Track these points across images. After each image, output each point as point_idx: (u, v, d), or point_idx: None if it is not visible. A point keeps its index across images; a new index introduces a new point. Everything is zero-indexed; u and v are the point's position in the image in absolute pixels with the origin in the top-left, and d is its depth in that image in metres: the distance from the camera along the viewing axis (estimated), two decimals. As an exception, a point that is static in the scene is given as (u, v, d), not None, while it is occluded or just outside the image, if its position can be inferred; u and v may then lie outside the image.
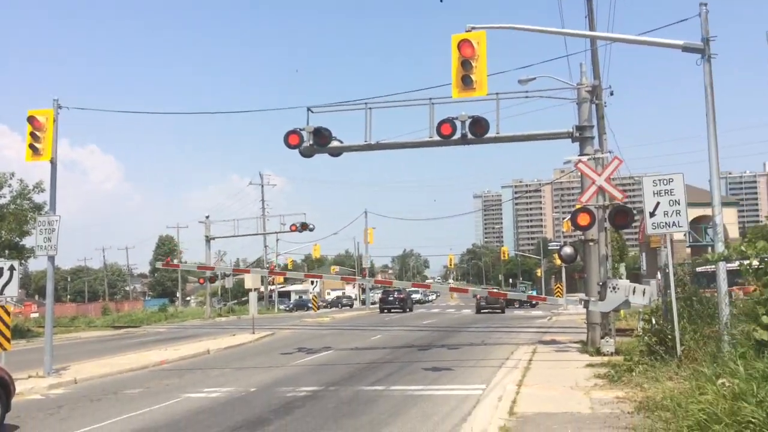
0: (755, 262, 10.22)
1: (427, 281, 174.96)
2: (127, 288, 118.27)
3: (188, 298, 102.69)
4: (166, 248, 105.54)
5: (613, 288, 16.52)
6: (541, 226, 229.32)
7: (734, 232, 64.30)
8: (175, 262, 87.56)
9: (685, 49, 14.16)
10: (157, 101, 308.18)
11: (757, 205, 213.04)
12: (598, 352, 16.91)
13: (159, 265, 50.17)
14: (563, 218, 69.23)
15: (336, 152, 21.70)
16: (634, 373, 11.97)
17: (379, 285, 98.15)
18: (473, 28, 15.68)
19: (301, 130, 20.04)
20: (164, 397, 13.69)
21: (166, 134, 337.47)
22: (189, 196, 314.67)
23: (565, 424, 9.05)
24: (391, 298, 53.98)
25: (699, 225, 55.67)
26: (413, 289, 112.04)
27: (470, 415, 10.69)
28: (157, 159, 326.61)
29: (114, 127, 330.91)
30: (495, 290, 41.59)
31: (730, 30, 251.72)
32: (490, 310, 43.99)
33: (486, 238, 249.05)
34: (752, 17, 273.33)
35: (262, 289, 66.03)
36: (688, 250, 56.12)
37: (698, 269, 17.84)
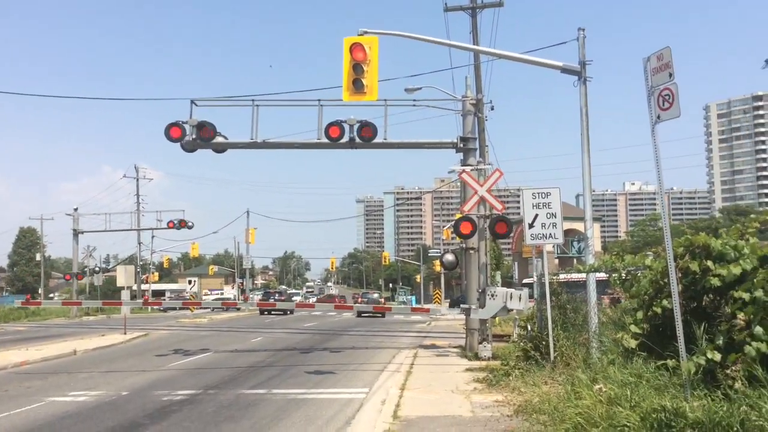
0: (623, 274, 11.01)
1: (306, 284, 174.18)
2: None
3: (51, 295, 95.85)
4: (28, 241, 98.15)
5: (492, 295, 17.15)
6: (422, 232, 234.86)
7: (597, 246, 68.98)
8: (38, 256, 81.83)
9: (564, 70, 14.97)
10: (27, 83, 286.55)
11: (616, 221, 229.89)
12: (477, 357, 17.50)
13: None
14: (443, 226, 71.32)
15: (220, 148, 21.04)
16: (511, 378, 12.47)
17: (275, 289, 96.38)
18: (366, 32, 15.79)
19: (183, 123, 19.23)
20: (25, 401, 12.67)
21: (35, 119, 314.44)
22: (59, 187, 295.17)
23: (447, 427, 9.26)
24: (272, 300, 53.21)
25: (566, 238, 59.25)
26: (294, 291, 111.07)
27: (354, 418, 10.70)
28: (23, 146, 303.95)
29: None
30: (380, 305, 42.19)
31: (606, 52, 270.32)
32: (371, 314, 44.42)
33: (368, 242, 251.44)
34: (624, 40, 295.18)
35: (135, 286, 63.01)
36: (557, 261, 59.52)
37: (564, 278, 18.79)
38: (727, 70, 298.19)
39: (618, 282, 11.28)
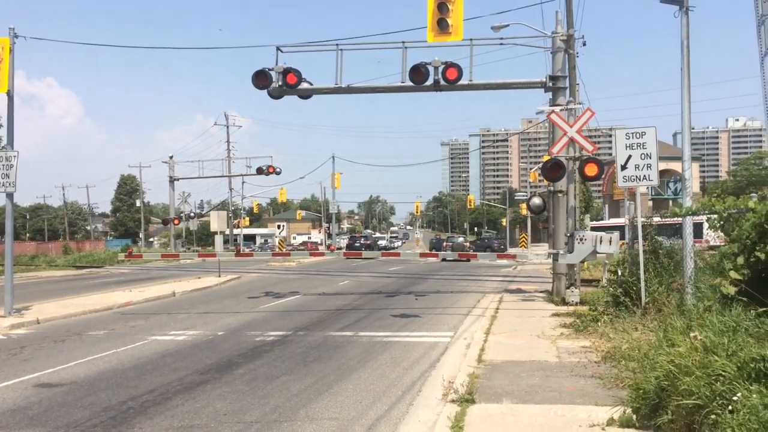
0: (723, 217, 10.39)
1: (391, 228, 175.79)
2: (88, 227, 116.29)
3: (151, 239, 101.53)
4: (128, 188, 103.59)
5: (581, 239, 16.74)
6: (507, 176, 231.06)
7: (696, 187, 65.79)
8: (137, 202, 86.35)
9: (663, 0, 13.96)
10: (120, 36, 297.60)
11: (717, 160, 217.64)
12: (564, 302, 17.23)
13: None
14: (530, 169, 69.72)
15: (305, 94, 21.21)
16: (599, 323, 12.20)
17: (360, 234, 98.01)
18: (451, -31, 15.26)
19: (270, 70, 19.49)
20: (130, 339, 13.55)
21: (130, 71, 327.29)
22: (154, 135, 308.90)
23: (533, 372, 9.20)
24: (358, 244, 54.16)
25: (661, 179, 56.70)
26: (379, 235, 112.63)
27: (439, 361, 10.81)
28: (121, 96, 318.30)
29: (74, 61, 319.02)
30: (465, 252, 42.14)
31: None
32: (456, 258, 44.43)
33: (453, 186, 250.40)
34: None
35: (228, 231, 65.59)
36: (650, 203, 57.25)
37: (658, 221, 18.01)
38: None
39: (718, 225, 10.68)
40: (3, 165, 17.33)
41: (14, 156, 17.39)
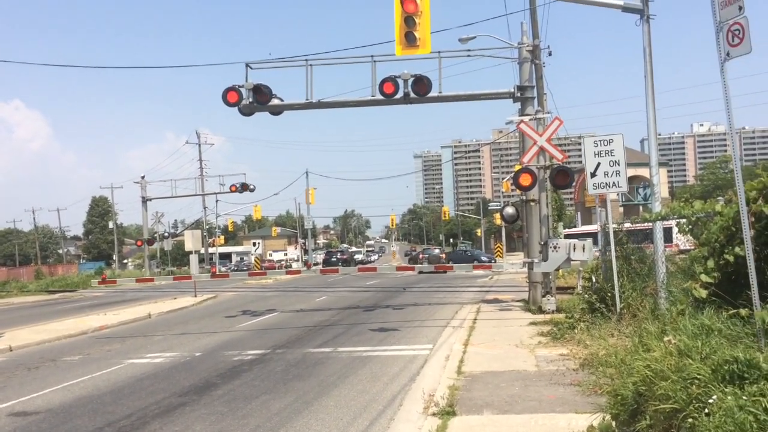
0: (692, 221, 10.61)
1: (367, 242, 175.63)
2: (60, 251, 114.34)
3: (125, 261, 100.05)
4: (100, 209, 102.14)
5: (554, 247, 16.90)
6: (480, 186, 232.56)
7: (664, 192, 66.91)
8: (110, 224, 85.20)
9: (625, 9, 14.20)
10: (88, 56, 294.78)
11: (684, 165, 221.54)
12: (541, 311, 17.36)
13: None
14: (502, 178, 70.29)
15: (276, 110, 21.22)
16: (576, 331, 12.31)
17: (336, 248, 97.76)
18: (416, -19, 15.40)
19: (240, 87, 19.49)
20: (105, 363, 13.35)
21: (99, 91, 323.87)
22: (126, 155, 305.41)
23: (512, 382, 9.26)
24: (334, 259, 53.93)
25: (631, 185, 57.60)
26: (355, 249, 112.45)
27: (419, 375, 10.82)
28: (90, 116, 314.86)
29: (42, 82, 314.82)
30: (441, 264, 42.46)
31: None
32: (433, 270, 44.50)
33: (427, 198, 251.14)
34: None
35: (203, 250, 64.97)
36: (621, 209, 58.07)
37: (629, 227, 18.28)
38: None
39: (687, 229, 10.89)
40: (-30, 191, 17.03)
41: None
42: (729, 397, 4.97)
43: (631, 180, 55.81)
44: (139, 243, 53.64)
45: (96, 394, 10.51)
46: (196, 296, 28.86)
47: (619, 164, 13.64)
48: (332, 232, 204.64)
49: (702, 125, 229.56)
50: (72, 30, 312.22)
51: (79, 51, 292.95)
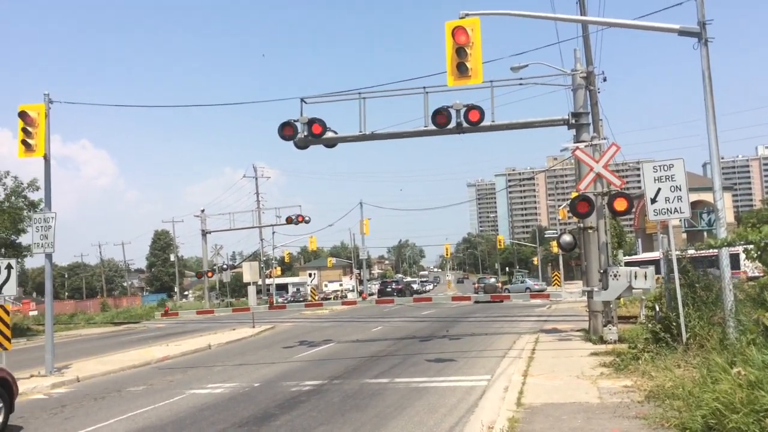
0: (761, 247, 10.22)
1: (421, 272, 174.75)
2: (125, 284, 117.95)
3: (186, 293, 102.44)
4: (162, 243, 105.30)
5: (615, 275, 16.50)
6: (536, 213, 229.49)
7: (730, 217, 64.57)
8: (171, 257, 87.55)
9: (682, 33, 13.95)
10: (148, 96, 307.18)
11: (750, 189, 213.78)
12: (602, 340, 16.90)
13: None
14: (558, 206, 69.23)
15: (331, 143, 21.55)
16: (640, 361, 11.92)
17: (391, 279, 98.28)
18: (467, 14, 15.53)
19: (295, 121, 19.88)
20: (168, 394, 13.63)
21: (160, 129, 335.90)
22: (186, 190, 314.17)
23: (574, 414, 9.02)
24: (389, 289, 53.88)
25: (694, 210, 55.82)
26: (410, 279, 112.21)
27: (477, 406, 10.66)
28: (152, 153, 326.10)
29: (106, 122, 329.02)
30: (497, 292, 42.22)
31: (726, 12, 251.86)
32: (489, 300, 43.95)
33: (481, 226, 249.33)
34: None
35: (260, 281, 65.99)
36: (684, 235, 56.32)
37: (693, 253, 17.74)
38: None
39: (755, 255, 10.50)
40: (41, 226, 17.84)
41: (52, 217, 17.89)
42: (805, 431, 4.74)
43: (694, 205, 54.06)
44: (198, 275, 54.84)
45: (159, 424, 10.73)
46: (254, 327, 29.26)
47: (680, 189, 13.33)
48: (387, 262, 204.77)
49: (767, 147, 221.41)
50: (133, 71, 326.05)
51: (143, 92, 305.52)
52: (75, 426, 10.93)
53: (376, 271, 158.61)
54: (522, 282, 67.36)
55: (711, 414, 6.08)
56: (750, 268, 13.37)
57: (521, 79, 21.18)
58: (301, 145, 20.92)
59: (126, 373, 17.78)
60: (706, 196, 50.85)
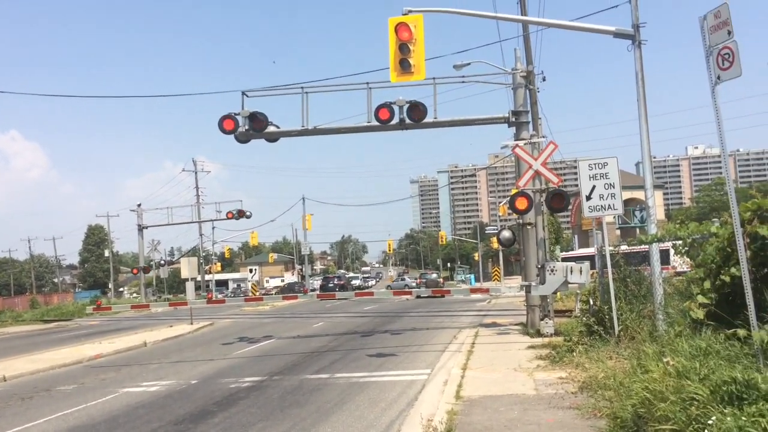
0: (688, 243, 10.64)
1: (363, 268, 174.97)
2: (56, 280, 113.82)
3: (121, 289, 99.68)
4: (96, 238, 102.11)
5: (552, 270, 16.87)
6: (477, 210, 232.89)
7: (661, 214, 66.97)
8: (106, 253, 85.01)
9: (617, 35, 14.38)
10: (85, 88, 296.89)
11: (680, 188, 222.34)
12: (539, 334, 17.29)
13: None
14: (499, 202, 70.47)
15: (272, 137, 21.32)
16: (574, 354, 12.26)
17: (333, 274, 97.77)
18: (410, 11, 15.63)
19: (236, 114, 19.54)
20: (101, 392, 13.22)
21: (96, 121, 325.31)
22: (123, 184, 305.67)
23: (511, 406, 9.18)
24: (331, 285, 53.70)
25: (627, 207, 57.68)
26: (352, 275, 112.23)
27: (417, 400, 10.73)
28: (87, 146, 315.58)
29: (37, 113, 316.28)
30: (439, 287, 42.92)
31: (658, 13, 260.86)
32: (430, 296, 44.37)
33: (424, 222, 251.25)
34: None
35: (199, 277, 64.74)
36: (618, 232, 58.10)
37: (626, 249, 18.32)
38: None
39: (683, 251, 10.91)
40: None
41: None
42: (728, 418, 4.95)
43: (628, 203, 55.90)
44: (135, 271, 53.42)
45: (90, 423, 10.40)
46: (192, 324, 28.67)
47: (614, 187, 13.72)
48: (329, 257, 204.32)
49: (696, 148, 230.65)
50: (68, 62, 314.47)
51: (77, 83, 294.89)
52: (2, 426, 10.47)
53: (318, 266, 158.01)
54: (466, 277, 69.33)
55: (640, 403, 6.28)
56: (679, 263, 13.86)
57: (463, 77, 21.42)
58: (243, 139, 20.60)
59: (56, 371, 17.15)
60: (639, 194, 52.47)
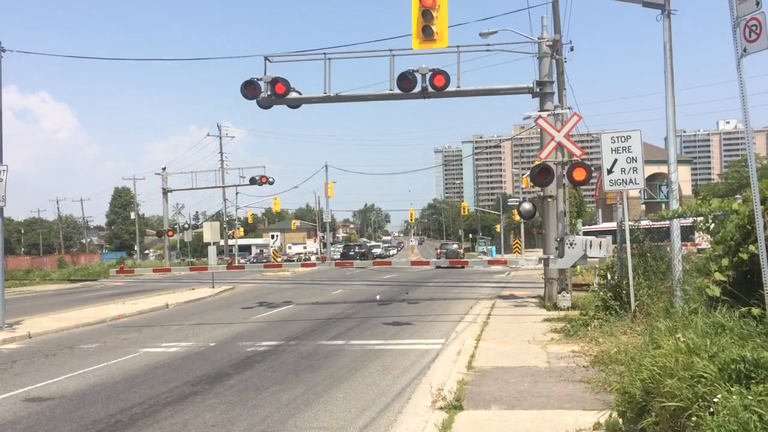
0: (709, 219, 10.48)
1: (384, 238, 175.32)
2: (83, 240, 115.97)
3: (146, 252, 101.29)
4: (123, 200, 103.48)
5: (571, 244, 16.76)
6: (501, 181, 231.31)
7: (687, 190, 66.01)
8: (132, 215, 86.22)
9: (646, 4, 14.02)
10: (113, 48, 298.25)
11: (709, 163, 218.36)
12: (555, 307, 17.26)
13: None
14: (523, 174, 69.87)
15: (294, 104, 21.28)
16: (589, 328, 12.23)
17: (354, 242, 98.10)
18: (435, -26, 15.38)
19: (258, 80, 19.50)
20: (121, 352, 13.53)
21: (124, 83, 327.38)
22: (149, 147, 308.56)
23: (522, 378, 9.23)
24: (352, 253, 53.94)
25: (653, 182, 56.93)
26: (373, 243, 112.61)
27: (429, 369, 10.83)
28: (115, 108, 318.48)
29: (67, 75, 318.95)
30: (458, 257, 43.02)
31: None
32: (450, 266, 44.43)
33: (447, 193, 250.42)
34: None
35: (222, 242, 65.47)
36: (643, 207, 57.41)
37: (648, 225, 18.14)
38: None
39: (703, 227, 10.76)
40: (-8, 180, 17.30)
41: (3, 170, 17.37)
42: (734, 397, 4.91)
43: (655, 177, 55.11)
44: (159, 234, 54.09)
45: (110, 381, 10.66)
46: (213, 287, 29.11)
47: (636, 161, 13.51)
48: (352, 226, 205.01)
49: (728, 122, 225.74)
50: (97, 25, 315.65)
51: (107, 45, 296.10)
52: (24, 381, 10.79)
53: (340, 234, 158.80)
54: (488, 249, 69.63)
55: (650, 378, 6.25)
56: (702, 239, 13.70)
57: (488, 45, 21.05)
58: (265, 105, 20.60)
59: (80, 330, 17.57)
60: (666, 169, 51.82)
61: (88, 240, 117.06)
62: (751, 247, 7.86)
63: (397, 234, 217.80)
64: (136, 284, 37.42)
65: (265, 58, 20.11)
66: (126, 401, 9.19)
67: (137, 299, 25.55)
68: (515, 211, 64.20)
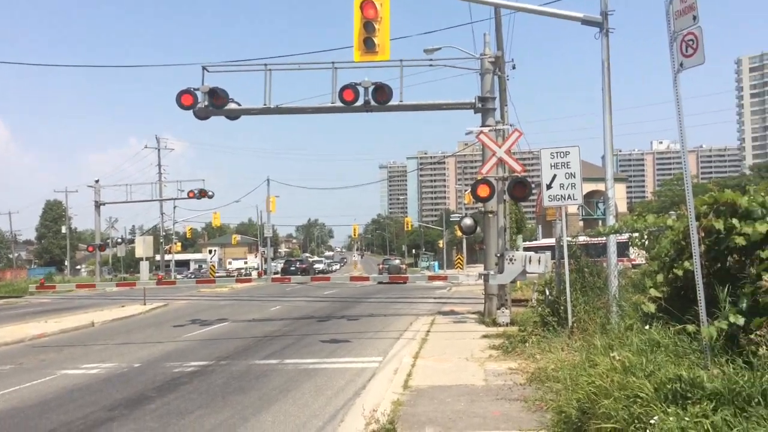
0: (644, 235, 10.49)
1: (326, 254, 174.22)
2: (11, 255, 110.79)
3: (78, 267, 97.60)
4: (54, 213, 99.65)
5: (510, 259, 16.68)
6: (445, 197, 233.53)
7: (623, 207, 67.81)
8: (63, 229, 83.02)
9: (584, 21, 14.18)
10: (52, 55, 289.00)
11: (644, 181, 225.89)
12: (495, 323, 17.14)
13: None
14: (466, 190, 70.57)
15: (233, 115, 20.69)
16: (527, 344, 12.08)
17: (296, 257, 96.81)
18: (376, -13, 15.17)
19: (195, 89, 18.85)
20: (37, 374, 12.65)
21: (61, 94, 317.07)
22: (86, 160, 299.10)
23: (458, 397, 8.93)
24: (293, 268, 53.11)
25: (591, 199, 58.24)
26: (316, 259, 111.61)
27: (364, 389, 10.44)
28: (50, 119, 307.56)
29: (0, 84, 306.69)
30: (400, 273, 43.10)
31: (629, 6, 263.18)
32: (392, 281, 44.12)
33: (391, 208, 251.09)
34: None
35: (158, 257, 63.54)
36: (581, 223, 58.67)
37: (586, 240, 18.25)
38: (760, 22, 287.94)
39: (639, 243, 10.77)
40: None
41: None
42: (671, 418, 4.73)
43: (592, 195, 56.35)
44: (90, 249, 52.02)
45: (20, 406, 9.87)
46: (145, 304, 27.96)
47: (575, 176, 13.54)
48: (295, 241, 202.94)
49: (661, 143, 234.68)
50: (38, 32, 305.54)
51: (44, 52, 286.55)
52: None
53: (283, 249, 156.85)
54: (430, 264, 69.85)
55: (585, 398, 6.07)
56: (638, 255, 13.82)
57: (431, 60, 21.04)
58: (202, 116, 19.97)
59: (-5, 351, 16.45)
60: (603, 186, 53.07)
61: (16, 255, 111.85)
62: (686, 263, 7.80)
63: (340, 249, 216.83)
64: (63, 301, 35.67)
65: (203, 68, 19.51)
66: (35, 429, 8.48)
67: (61, 317, 24.26)
68: (458, 227, 64.81)
